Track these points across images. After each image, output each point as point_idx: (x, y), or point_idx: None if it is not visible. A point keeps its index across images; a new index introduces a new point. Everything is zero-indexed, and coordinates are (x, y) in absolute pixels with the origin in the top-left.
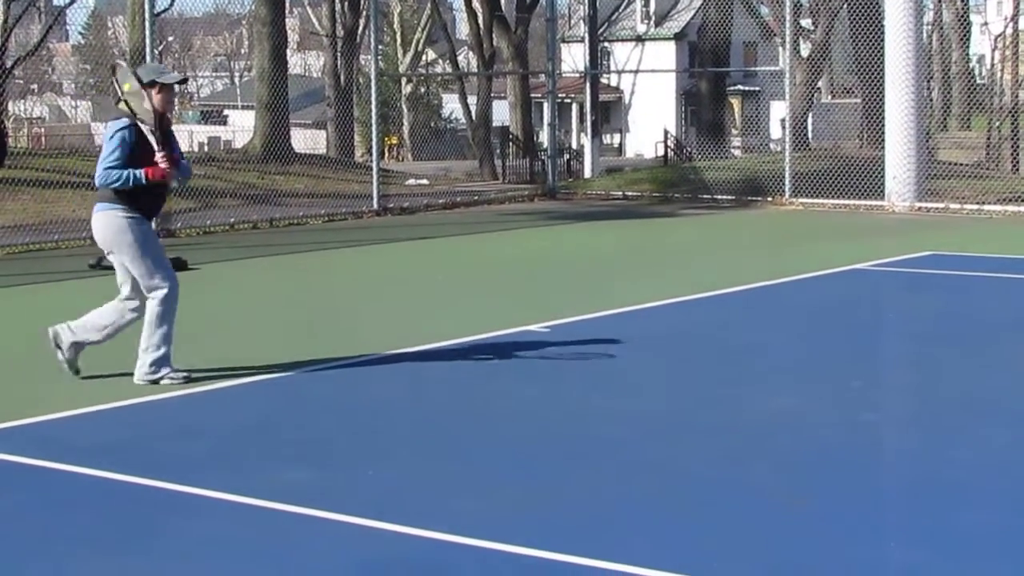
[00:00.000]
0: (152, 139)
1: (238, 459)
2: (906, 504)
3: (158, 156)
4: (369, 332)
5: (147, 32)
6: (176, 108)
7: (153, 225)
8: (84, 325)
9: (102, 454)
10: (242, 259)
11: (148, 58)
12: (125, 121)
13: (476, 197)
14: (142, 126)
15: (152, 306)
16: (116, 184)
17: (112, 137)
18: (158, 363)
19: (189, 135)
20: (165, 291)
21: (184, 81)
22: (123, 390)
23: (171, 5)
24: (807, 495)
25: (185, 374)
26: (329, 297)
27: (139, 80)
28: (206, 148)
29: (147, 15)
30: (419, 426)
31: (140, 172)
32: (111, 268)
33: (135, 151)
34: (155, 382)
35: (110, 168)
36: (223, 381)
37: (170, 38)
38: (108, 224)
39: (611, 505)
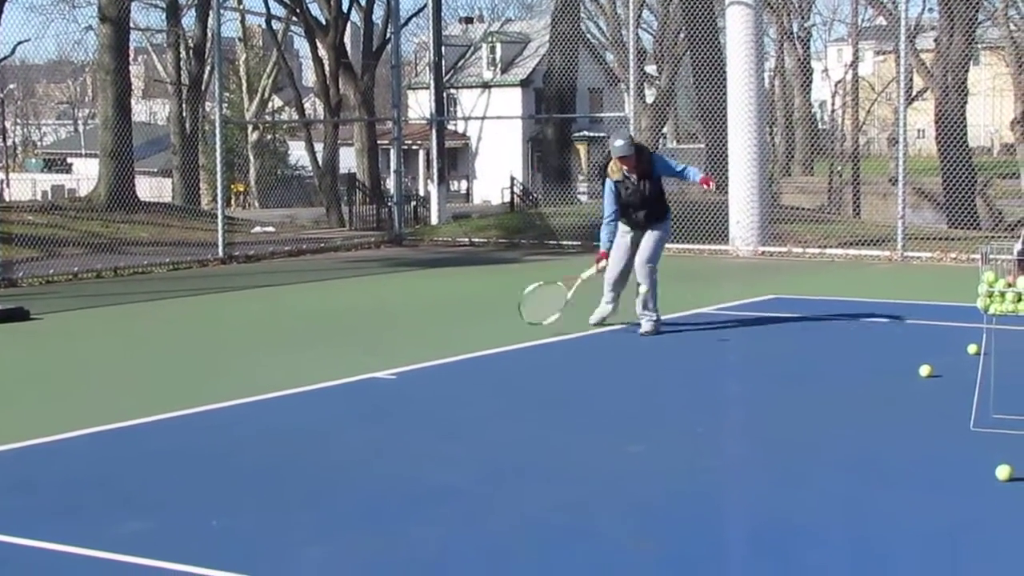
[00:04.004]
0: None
1: (77, 510)
2: (751, 546)
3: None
4: (214, 381)
5: None
6: (19, 156)
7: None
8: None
9: None
10: (85, 308)
11: None
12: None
13: (322, 244)
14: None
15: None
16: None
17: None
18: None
19: (32, 183)
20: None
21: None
22: None
23: (12, 52)
24: (652, 538)
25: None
26: (172, 347)
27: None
28: (50, 196)
29: None
30: (266, 474)
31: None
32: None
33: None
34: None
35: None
36: (63, 432)
37: (12, 85)
38: None
39: (457, 553)
